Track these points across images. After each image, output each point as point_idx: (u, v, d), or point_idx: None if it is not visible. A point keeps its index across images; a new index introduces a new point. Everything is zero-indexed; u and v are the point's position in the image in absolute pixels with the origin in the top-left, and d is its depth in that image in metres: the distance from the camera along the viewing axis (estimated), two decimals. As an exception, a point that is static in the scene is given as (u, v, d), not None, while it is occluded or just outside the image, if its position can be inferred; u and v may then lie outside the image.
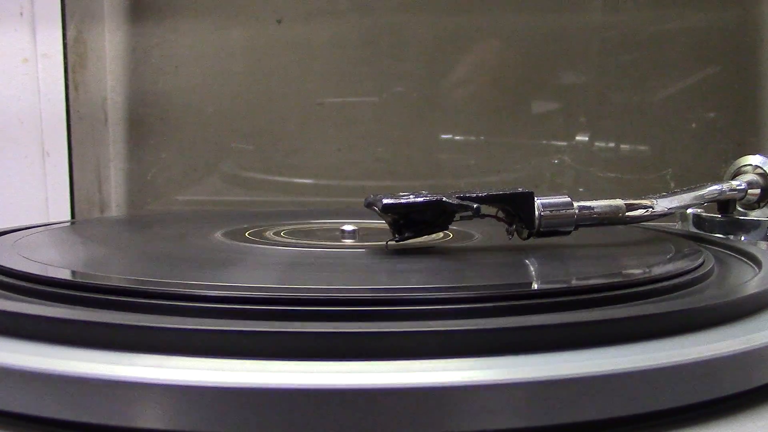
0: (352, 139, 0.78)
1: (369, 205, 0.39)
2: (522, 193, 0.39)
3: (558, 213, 0.39)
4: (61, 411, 0.22)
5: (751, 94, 0.74)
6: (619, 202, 0.42)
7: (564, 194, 0.40)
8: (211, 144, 0.80)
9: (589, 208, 0.41)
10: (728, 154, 0.72)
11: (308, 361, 0.22)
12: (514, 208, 0.39)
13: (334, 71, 0.78)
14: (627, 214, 0.42)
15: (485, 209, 0.38)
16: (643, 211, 0.42)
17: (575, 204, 0.40)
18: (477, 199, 0.37)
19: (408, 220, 0.38)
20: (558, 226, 0.40)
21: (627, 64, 0.75)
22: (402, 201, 0.37)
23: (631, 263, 0.39)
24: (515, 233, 0.40)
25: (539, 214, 0.39)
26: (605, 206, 0.41)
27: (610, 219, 0.41)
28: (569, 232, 0.40)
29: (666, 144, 0.75)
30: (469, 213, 0.37)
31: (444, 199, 0.37)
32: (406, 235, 0.38)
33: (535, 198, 0.39)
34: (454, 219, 0.38)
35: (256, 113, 0.79)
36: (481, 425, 0.21)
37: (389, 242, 0.39)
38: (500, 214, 0.40)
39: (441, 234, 0.43)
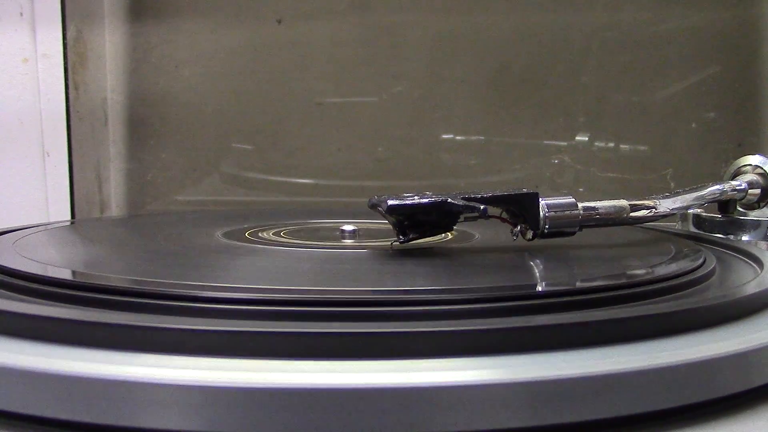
0: (352, 139, 0.78)
1: (373, 206, 0.38)
2: (527, 194, 0.39)
3: (563, 214, 0.39)
4: (61, 411, 0.22)
5: (751, 94, 0.74)
6: (623, 202, 0.42)
7: (568, 195, 0.40)
8: (211, 144, 0.80)
9: (593, 208, 0.40)
10: (728, 154, 0.72)
11: (308, 361, 0.22)
12: (519, 208, 0.39)
13: (334, 71, 0.78)
14: (630, 214, 0.42)
15: (489, 210, 0.38)
16: (647, 211, 0.42)
17: (580, 205, 0.40)
18: (482, 200, 0.37)
19: (412, 221, 0.38)
20: (563, 226, 0.39)
21: (627, 64, 0.75)
22: (407, 202, 0.37)
23: (631, 264, 0.39)
24: (520, 234, 0.40)
25: (544, 215, 0.39)
26: (609, 207, 0.41)
27: (614, 219, 0.41)
28: (574, 233, 0.40)
29: (666, 144, 0.75)
30: (475, 214, 0.37)
31: (449, 200, 0.37)
32: (411, 236, 0.38)
33: (540, 199, 0.39)
34: (459, 220, 0.38)
35: (256, 113, 0.79)
36: (481, 425, 0.21)
37: (394, 243, 0.39)
38: (505, 215, 0.40)
39: (441, 234, 0.43)
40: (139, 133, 0.80)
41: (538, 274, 0.36)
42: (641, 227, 0.49)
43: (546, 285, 0.33)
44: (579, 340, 0.24)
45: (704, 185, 0.47)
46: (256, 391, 0.21)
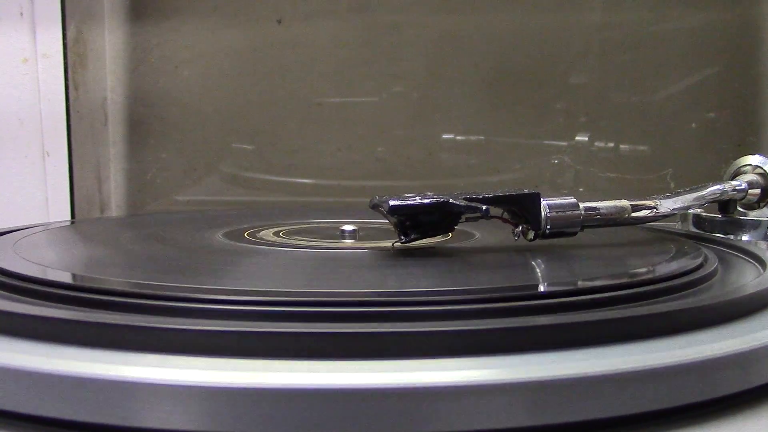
0: (352, 139, 0.78)
1: (375, 206, 0.38)
2: (529, 194, 0.39)
3: (564, 214, 0.39)
4: (61, 411, 0.22)
5: (751, 94, 0.74)
6: (624, 202, 0.42)
7: (569, 195, 0.40)
8: (211, 144, 0.80)
9: (595, 209, 0.40)
10: (728, 154, 0.72)
11: (308, 361, 0.22)
12: (521, 209, 0.39)
13: (334, 71, 0.78)
14: (632, 214, 0.42)
15: (490, 210, 0.38)
16: (648, 211, 0.42)
17: (581, 205, 0.40)
18: (483, 200, 0.37)
19: (414, 222, 0.38)
20: (564, 227, 0.39)
21: (627, 64, 0.75)
22: (409, 202, 0.37)
23: (631, 264, 0.39)
24: (521, 234, 0.40)
25: (546, 215, 0.39)
26: (611, 207, 0.41)
27: (616, 220, 0.41)
28: (575, 233, 0.40)
29: (666, 144, 0.75)
30: (477, 214, 0.37)
31: (451, 200, 0.37)
32: (412, 236, 0.38)
33: (541, 199, 0.39)
34: (460, 220, 0.38)
35: (256, 113, 0.79)
36: (481, 425, 0.21)
37: (395, 244, 0.39)
38: (506, 216, 0.40)
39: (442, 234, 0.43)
40: (139, 133, 0.80)
41: (538, 274, 0.36)
42: (641, 227, 0.49)
43: (546, 285, 0.33)
44: (579, 340, 0.24)
45: (704, 185, 0.47)
46: (257, 391, 0.21)
